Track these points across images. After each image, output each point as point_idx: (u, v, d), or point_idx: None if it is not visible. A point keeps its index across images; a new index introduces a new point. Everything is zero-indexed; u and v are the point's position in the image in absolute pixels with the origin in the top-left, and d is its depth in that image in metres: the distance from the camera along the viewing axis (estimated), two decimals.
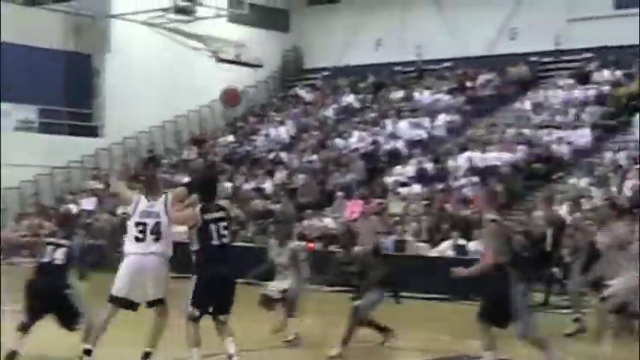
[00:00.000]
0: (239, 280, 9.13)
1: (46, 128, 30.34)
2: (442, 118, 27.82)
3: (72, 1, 30.23)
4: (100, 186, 28.75)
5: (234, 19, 32.78)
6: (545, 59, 29.88)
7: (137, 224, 9.11)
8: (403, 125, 28.04)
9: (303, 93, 33.80)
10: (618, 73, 26.87)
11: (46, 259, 9.60)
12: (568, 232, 16.41)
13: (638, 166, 21.59)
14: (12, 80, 28.13)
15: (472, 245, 18.60)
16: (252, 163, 28.63)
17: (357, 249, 11.50)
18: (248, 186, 26.60)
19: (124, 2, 30.59)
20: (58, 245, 9.66)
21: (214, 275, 8.87)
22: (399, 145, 27.16)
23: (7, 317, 10.91)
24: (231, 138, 31.45)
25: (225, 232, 8.98)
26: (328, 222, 22.68)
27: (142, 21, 30.21)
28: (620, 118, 25.25)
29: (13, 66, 28.30)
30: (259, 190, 26.17)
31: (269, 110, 33.45)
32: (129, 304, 9.17)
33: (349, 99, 31.83)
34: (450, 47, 31.39)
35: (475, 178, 23.06)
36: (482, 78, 29.49)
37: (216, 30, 31.16)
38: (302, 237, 22.09)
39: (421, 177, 24.67)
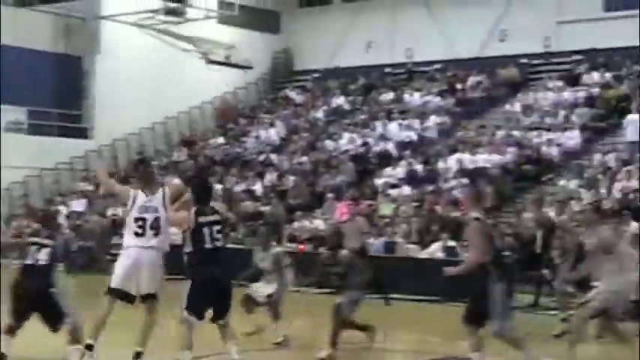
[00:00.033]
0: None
1: (35, 130, 30.26)
2: (432, 120, 27.85)
3: (62, 3, 30.16)
4: (90, 187, 28.70)
5: (224, 20, 32.76)
6: (535, 61, 29.95)
7: (136, 219, 9.19)
8: (393, 127, 28.06)
9: (294, 95, 33.79)
10: (608, 75, 26.95)
11: (29, 261, 9.54)
12: (557, 234, 16.45)
13: (627, 168, 21.64)
14: (1, 81, 28.05)
15: (462, 247, 18.62)
16: (242, 165, 28.60)
17: (343, 251, 11.50)
18: (238, 188, 26.57)
19: (113, 4, 30.52)
20: (42, 245, 9.60)
21: (207, 278, 8.90)
22: (389, 146, 27.18)
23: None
24: (221, 140, 31.42)
25: (219, 236, 9.01)
26: (318, 224, 22.67)
27: (132, 22, 30.14)
28: (610, 120, 25.33)
29: (2, 67, 28.22)
30: (249, 192, 26.15)
31: (259, 112, 33.43)
32: (124, 296, 9.21)
33: (339, 101, 31.84)
34: (440, 49, 31.44)
35: (465, 180, 23.08)
36: (472, 80, 29.54)
37: (206, 31, 31.11)
38: (292, 239, 22.11)
39: (411, 179, 24.69)
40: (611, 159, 22.81)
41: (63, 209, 27.42)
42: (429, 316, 16.12)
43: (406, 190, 24.06)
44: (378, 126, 28.47)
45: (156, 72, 31.61)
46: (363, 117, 29.77)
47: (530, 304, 16.96)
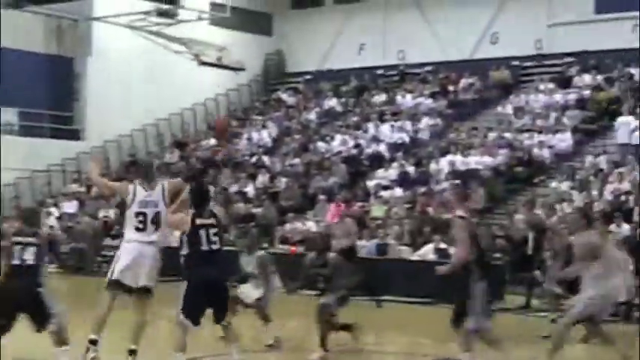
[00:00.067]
0: None
1: (26, 131, 30.18)
2: (424, 122, 27.88)
3: (54, 4, 30.10)
4: (82, 189, 28.66)
5: (216, 22, 32.72)
6: (527, 63, 29.98)
7: (137, 214, 9.29)
8: (385, 129, 28.08)
9: (286, 96, 33.79)
10: (599, 77, 27.01)
11: (16, 261, 9.44)
12: (547, 236, 16.50)
13: (618, 170, 21.70)
14: None
15: (454, 248, 18.64)
16: (234, 167, 28.58)
17: (330, 253, 11.49)
18: (230, 189, 26.55)
19: (105, 5, 30.47)
20: (26, 244, 9.50)
21: (203, 280, 8.90)
22: (381, 148, 27.19)
23: None
24: (213, 141, 31.40)
25: (215, 239, 9.00)
26: (310, 225, 22.68)
27: (124, 24, 30.09)
28: (601, 122, 25.39)
29: None
30: (241, 194, 26.13)
31: (251, 114, 33.42)
32: (120, 286, 9.28)
33: (332, 103, 31.85)
34: (432, 51, 31.46)
35: (457, 182, 23.11)
36: (463, 82, 29.58)
37: (198, 33, 31.04)
38: (284, 241, 22.12)
39: (403, 180, 24.71)
40: (602, 161, 22.86)
41: (54, 211, 27.41)
42: (421, 318, 16.14)
43: (398, 191, 24.08)
44: (371, 128, 28.48)
45: (148, 73, 31.57)
46: (355, 119, 29.78)
47: (521, 306, 17.01)
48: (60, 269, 24.62)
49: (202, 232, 8.93)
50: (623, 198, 20.40)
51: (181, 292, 8.93)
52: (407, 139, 27.46)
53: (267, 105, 33.94)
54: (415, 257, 19.62)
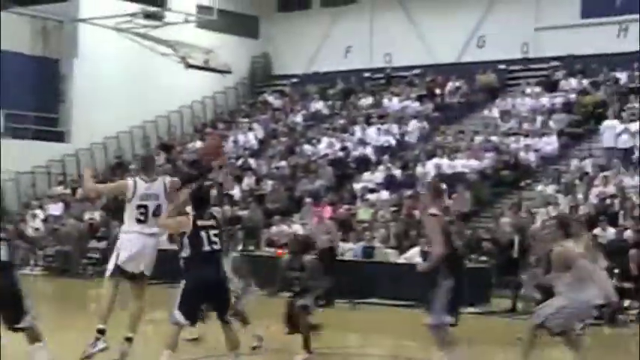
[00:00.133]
0: None
1: (11, 133, 30.05)
2: (411, 125, 27.91)
3: (39, 5, 29.99)
4: (67, 191, 28.56)
5: (203, 24, 32.69)
6: (513, 67, 30.07)
7: (139, 207, 9.61)
8: (372, 132, 28.09)
9: (272, 99, 33.77)
10: (585, 81, 27.10)
11: None
12: (531, 242, 16.58)
13: (603, 174, 21.76)
14: None
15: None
16: (221, 169, 28.50)
17: (305, 256, 11.50)
18: (215, 191, 26.49)
19: (92, 7, 30.39)
20: None
21: (202, 279, 9.00)
22: (368, 151, 27.21)
23: None
24: (199, 144, 31.31)
25: (216, 239, 9.16)
26: (296, 228, 22.63)
27: (110, 26, 30.01)
28: (587, 126, 25.48)
29: None
30: (228, 196, 26.06)
31: (237, 116, 33.38)
32: (122, 273, 9.58)
33: (318, 105, 31.85)
34: (419, 54, 31.51)
35: (443, 185, 23.10)
36: (450, 85, 29.63)
37: (185, 35, 31.00)
38: (270, 243, 22.08)
39: (389, 183, 24.72)
40: (588, 165, 22.93)
41: (39, 213, 27.31)
42: (406, 321, 16.11)
43: (384, 194, 24.09)
44: (357, 131, 28.49)
45: (134, 76, 31.50)
46: (341, 122, 29.79)
47: (507, 309, 17.04)
48: (45, 271, 24.58)
49: (203, 234, 9.09)
50: (608, 202, 20.45)
51: (179, 291, 9.00)
52: (393, 142, 27.48)
53: (254, 107, 33.92)
54: (401, 260, 19.61)
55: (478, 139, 25.77)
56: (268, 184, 26.27)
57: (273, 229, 22.79)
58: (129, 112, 31.31)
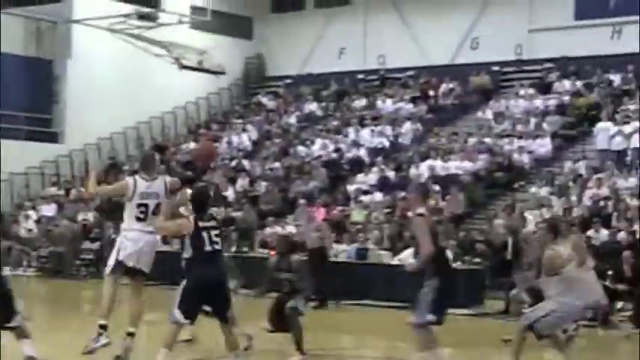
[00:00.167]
0: None
1: (4, 133, 29.98)
2: (404, 127, 27.92)
3: (33, 6, 29.94)
4: (61, 192, 28.51)
5: (196, 25, 32.68)
6: (507, 69, 30.11)
7: (139, 205, 9.71)
8: (365, 133, 28.11)
9: (266, 100, 33.76)
10: (578, 83, 27.15)
11: None
12: (523, 245, 16.61)
13: (597, 176, 21.80)
14: None
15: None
16: (214, 170, 28.49)
17: (293, 256, 11.52)
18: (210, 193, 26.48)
19: (85, 8, 30.37)
20: None
21: (203, 278, 9.04)
22: (362, 153, 27.22)
23: None
24: (193, 145, 31.29)
25: (217, 240, 9.22)
26: (290, 230, 22.63)
27: (104, 27, 29.99)
28: (580, 128, 25.52)
29: None
30: (221, 197, 26.06)
31: (231, 117, 33.37)
32: (122, 267, 9.66)
33: (312, 107, 31.85)
34: (413, 56, 31.52)
35: (437, 187, 23.15)
36: (444, 87, 29.66)
37: (179, 36, 31.00)
38: (264, 244, 22.08)
39: (383, 185, 24.73)
40: (581, 167, 22.97)
41: (33, 214, 27.27)
42: (400, 322, 16.09)
43: (378, 196, 24.10)
44: (351, 132, 28.50)
45: (128, 77, 31.46)
46: (335, 123, 29.80)
47: (501, 311, 17.05)
48: (39, 272, 24.54)
49: (205, 234, 9.14)
50: (601, 203, 20.50)
51: (179, 290, 9.02)
52: (387, 144, 27.50)
53: (248, 109, 33.91)
54: (395, 262, 19.60)
55: (472, 140, 25.80)
56: (262, 186, 26.27)
57: (267, 230, 22.78)
58: (123, 113, 31.26)
